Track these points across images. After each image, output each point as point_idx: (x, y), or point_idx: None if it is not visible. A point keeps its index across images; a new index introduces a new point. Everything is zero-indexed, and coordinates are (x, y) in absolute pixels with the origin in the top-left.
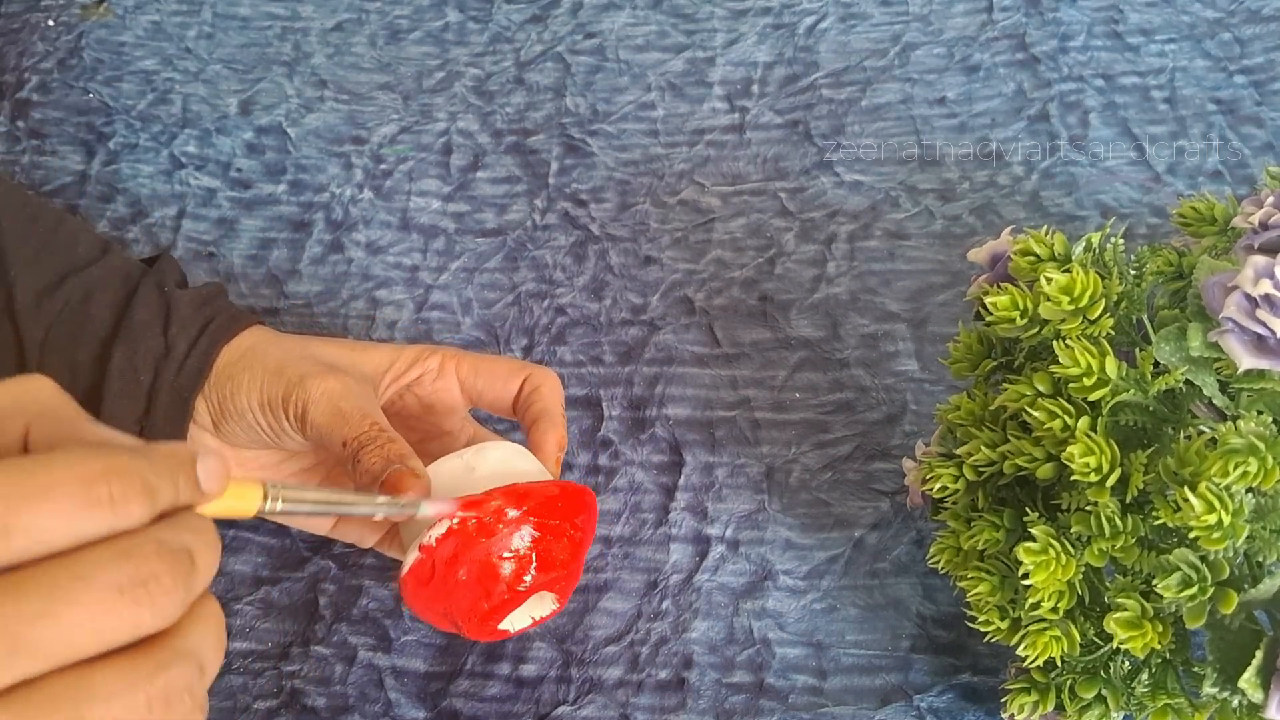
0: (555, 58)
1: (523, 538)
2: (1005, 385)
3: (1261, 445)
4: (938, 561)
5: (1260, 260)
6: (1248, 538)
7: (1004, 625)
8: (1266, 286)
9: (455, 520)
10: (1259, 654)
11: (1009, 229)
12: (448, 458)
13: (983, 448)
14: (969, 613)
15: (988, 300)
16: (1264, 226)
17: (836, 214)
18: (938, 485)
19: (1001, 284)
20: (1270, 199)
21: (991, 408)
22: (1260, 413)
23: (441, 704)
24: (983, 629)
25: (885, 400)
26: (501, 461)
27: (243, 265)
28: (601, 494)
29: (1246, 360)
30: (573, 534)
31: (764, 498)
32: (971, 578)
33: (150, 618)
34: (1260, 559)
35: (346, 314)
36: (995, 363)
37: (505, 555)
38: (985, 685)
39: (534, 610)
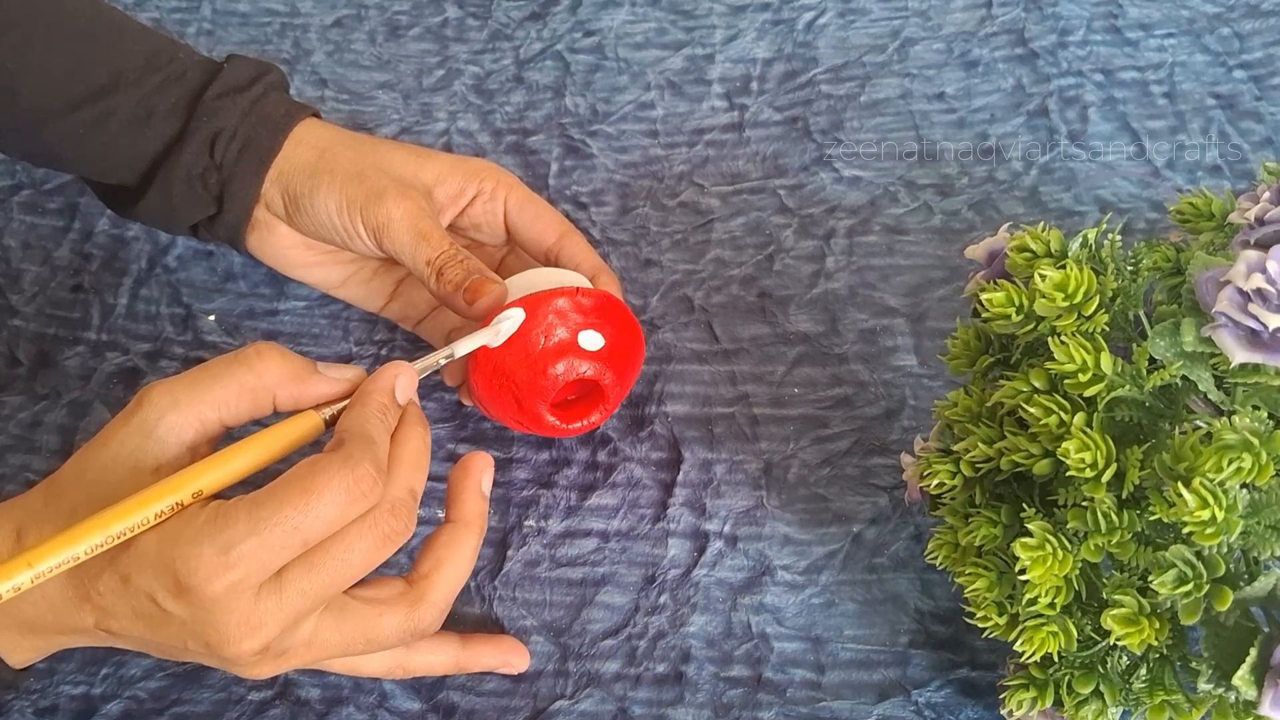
0: (554, 56)
1: (567, 325)
2: (1002, 381)
3: (1255, 441)
4: (936, 557)
5: (1253, 255)
6: (1242, 533)
7: (1002, 621)
8: (1259, 281)
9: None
10: (1253, 651)
11: (1006, 225)
12: (512, 278)
13: (980, 444)
14: (967, 608)
15: (983, 297)
16: (1260, 222)
17: (835, 210)
18: (935, 481)
19: (998, 280)
20: (1266, 194)
21: (988, 404)
22: (1255, 408)
23: (437, 696)
24: (980, 624)
25: (884, 395)
26: (559, 274)
27: (243, 265)
28: (599, 490)
29: (1240, 355)
30: (617, 336)
31: (762, 493)
32: (969, 573)
33: (395, 549)
34: (1256, 555)
35: (349, 317)
36: (992, 359)
37: (549, 339)
38: (983, 680)
39: (584, 416)
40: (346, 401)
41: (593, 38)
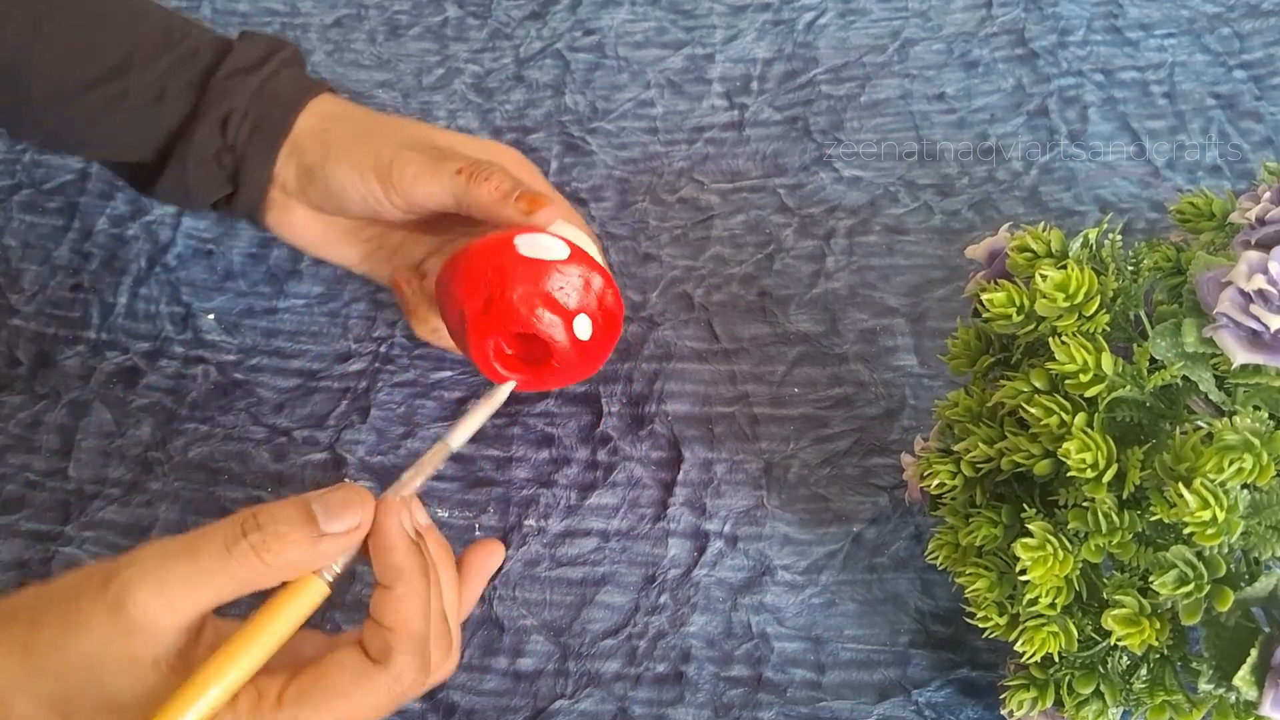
0: (554, 54)
1: (581, 298)
2: (1003, 381)
3: (1256, 441)
4: (936, 557)
5: (1254, 255)
6: (1243, 534)
7: (1002, 621)
8: (1260, 282)
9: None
10: (1254, 651)
11: (1007, 225)
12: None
13: (980, 444)
14: (967, 608)
15: (984, 297)
16: (1260, 222)
17: (835, 209)
18: (936, 481)
19: (998, 280)
20: (1267, 194)
21: (989, 404)
22: (1256, 408)
23: (438, 695)
24: (981, 624)
25: (884, 395)
26: (591, 245)
27: (243, 264)
28: (599, 489)
29: (1241, 355)
30: (597, 342)
31: (762, 493)
32: (970, 573)
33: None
34: (1257, 556)
35: (348, 315)
36: (993, 359)
37: (561, 291)
38: (983, 680)
39: (518, 371)
40: (353, 552)
41: (592, 36)
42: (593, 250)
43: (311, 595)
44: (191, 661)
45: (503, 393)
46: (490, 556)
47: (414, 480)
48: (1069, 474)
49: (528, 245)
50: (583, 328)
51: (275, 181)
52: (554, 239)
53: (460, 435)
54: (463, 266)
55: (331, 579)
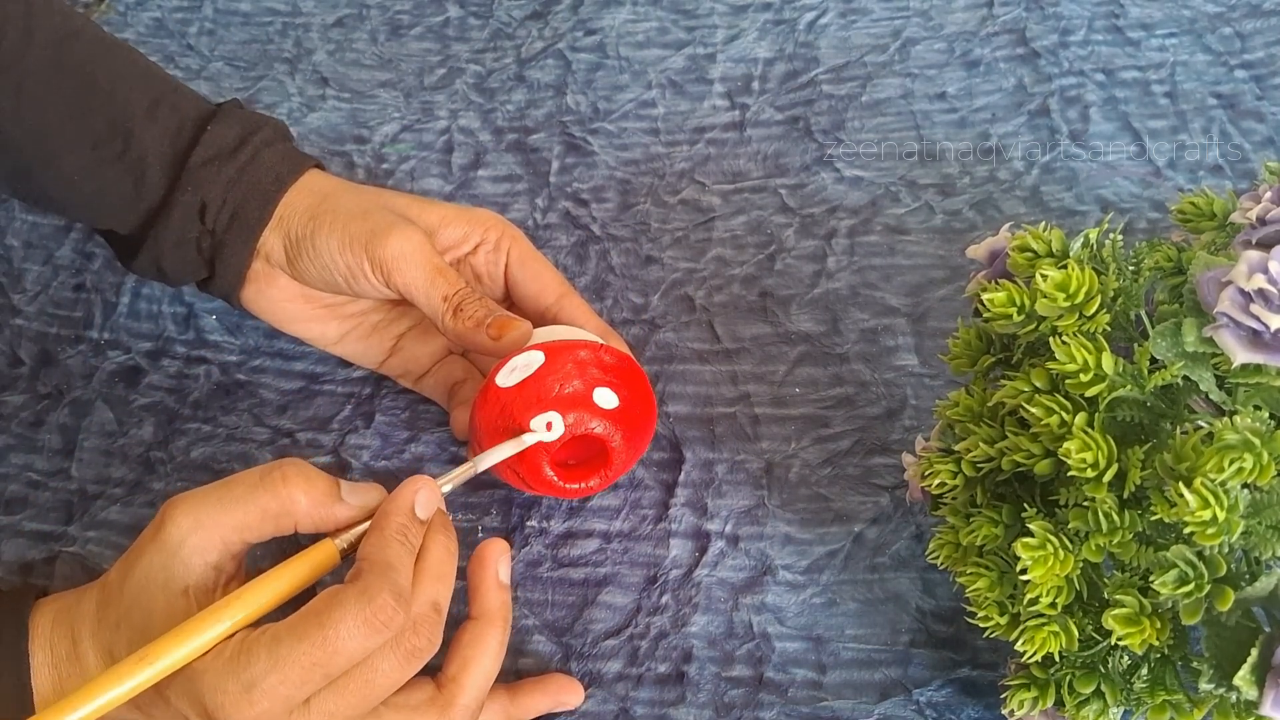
0: (556, 54)
1: (584, 378)
2: (1004, 381)
3: (1257, 441)
4: (937, 557)
5: (1254, 255)
6: (1243, 533)
7: (1003, 620)
8: (1260, 281)
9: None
10: (1254, 651)
11: (1008, 225)
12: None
13: (981, 444)
14: (968, 608)
15: (984, 297)
16: (1261, 221)
17: (837, 209)
18: (936, 481)
19: (999, 280)
20: (1268, 194)
21: (990, 404)
22: (1257, 408)
23: None
24: (982, 624)
25: (885, 395)
26: (578, 333)
27: None
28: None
29: (1241, 355)
30: (632, 400)
31: (763, 493)
32: (970, 573)
33: (421, 664)
34: (1257, 555)
35: None
36: (994, 359)
37: (564, 387)
38: (984, 680)
39: (584, 479)
40: (367, 525)
41: (594, 36)
42: (568, 332)
43: (324, 555)
44: (216, 600)
45: (529, 439)
46: (491, 548)
47: (441, 479)
48: (1069, 474)
49: (506, 376)
50: (606, 399)
51: (259, 254)
52: (529, 353)
53: (488, 459)
54: (481, 434)
55: (345, 546)
